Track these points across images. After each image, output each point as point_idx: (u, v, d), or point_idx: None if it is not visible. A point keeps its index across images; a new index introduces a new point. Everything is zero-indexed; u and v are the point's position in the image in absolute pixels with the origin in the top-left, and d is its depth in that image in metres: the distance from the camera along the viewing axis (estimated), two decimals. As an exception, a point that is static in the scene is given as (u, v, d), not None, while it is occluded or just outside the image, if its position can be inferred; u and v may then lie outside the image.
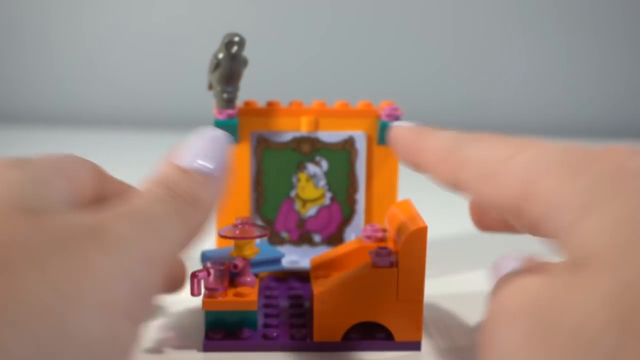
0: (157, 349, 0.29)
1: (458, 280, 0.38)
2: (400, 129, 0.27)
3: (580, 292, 0.16)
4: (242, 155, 0.34)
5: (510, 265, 0.25)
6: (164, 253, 0.21)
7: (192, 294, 0.27)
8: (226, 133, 0.27)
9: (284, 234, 0.35)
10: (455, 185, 0.23)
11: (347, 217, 0.35)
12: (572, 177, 0.19)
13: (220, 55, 0.31)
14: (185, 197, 0.24)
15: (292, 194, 0.35)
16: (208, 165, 0.25)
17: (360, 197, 0.35)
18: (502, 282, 0.20)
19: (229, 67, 0.31)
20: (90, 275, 0.17)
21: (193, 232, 0.25)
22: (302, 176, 0.35)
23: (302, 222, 0.35)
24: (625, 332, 0.14)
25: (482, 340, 0.19)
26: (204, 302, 0.28)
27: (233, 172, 0.28)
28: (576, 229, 0.17)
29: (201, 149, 0.26)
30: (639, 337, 0.14)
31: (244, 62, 0.32)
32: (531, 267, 0.19)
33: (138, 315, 0.19)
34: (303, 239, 0.35)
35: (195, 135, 0.26)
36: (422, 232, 0.27)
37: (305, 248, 0.35)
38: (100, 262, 0.18)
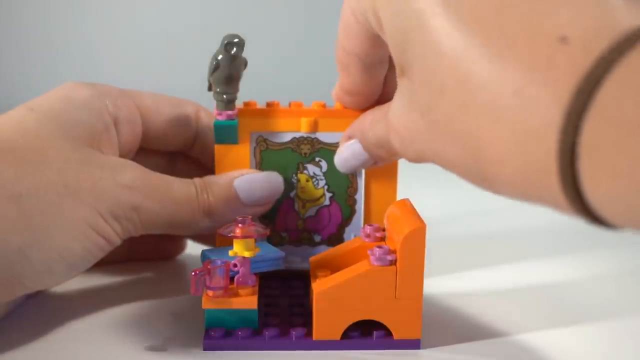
0: (157, 348, 0.29)
1: (457, 279, 0.38)
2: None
3: None
4: (242, 156, 0.34)
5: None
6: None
7: (193, 292, 0.28)
8: (279, 182, 0.33)
9: (284, 234, 0.35)
10: None
11: (347, 217, 0.35)
12: None
13: (220, 57, 0.31)
14: (204, 205, 0.31)
15: (292, 194, 0.35)
16: (242, 194, 0.32)
17: (360, 197, 0.35)
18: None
19: (229, 69, 0.32)
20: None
21: (171, 228, 0.32)
22: (302, 176, 0.35)
23: (302, 222, 0.35)
24: None
25: None
26: (204, 301, 0.29)
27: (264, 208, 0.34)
28: None
29: (255, 181, 0.33)
30: None
31: (243, 63, 0.32)
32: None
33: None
34: (303, 238, 0.36)
35: (264, 174, 0.33)
36: (420, 231, 0.28)
37: (305, 248, 0.36)
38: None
